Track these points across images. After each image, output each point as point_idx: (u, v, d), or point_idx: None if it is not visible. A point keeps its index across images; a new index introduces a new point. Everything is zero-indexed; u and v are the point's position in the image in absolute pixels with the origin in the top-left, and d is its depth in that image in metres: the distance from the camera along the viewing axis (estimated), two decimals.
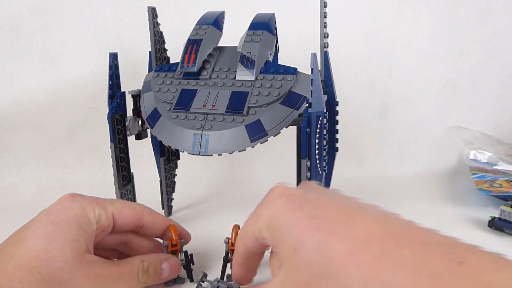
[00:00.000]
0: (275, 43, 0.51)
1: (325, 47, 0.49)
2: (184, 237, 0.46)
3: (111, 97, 0.52)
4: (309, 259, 0.27)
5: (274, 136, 0.45)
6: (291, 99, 0.46)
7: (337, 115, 0.50)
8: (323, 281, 0.27)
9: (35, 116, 0.73)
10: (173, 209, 0.63)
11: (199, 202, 0.67)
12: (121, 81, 0.54)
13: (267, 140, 0.45)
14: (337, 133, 0.51)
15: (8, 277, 0.33)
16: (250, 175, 0.74)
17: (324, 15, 0.48)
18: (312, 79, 0.42)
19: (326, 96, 0.47)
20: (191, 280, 0.45)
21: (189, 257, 0.45)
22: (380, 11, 0.78)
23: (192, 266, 0.46)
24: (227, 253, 0.46)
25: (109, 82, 0.52)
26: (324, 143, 0.46)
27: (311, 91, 0.42)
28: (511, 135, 0.82)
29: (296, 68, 0.48)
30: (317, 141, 0.43)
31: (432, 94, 0.81)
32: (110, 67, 0.52)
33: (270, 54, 0.50)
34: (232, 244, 0.45)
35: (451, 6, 0.78)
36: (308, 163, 0.43)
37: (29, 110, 0.73)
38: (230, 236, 0.45)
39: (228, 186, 0.72)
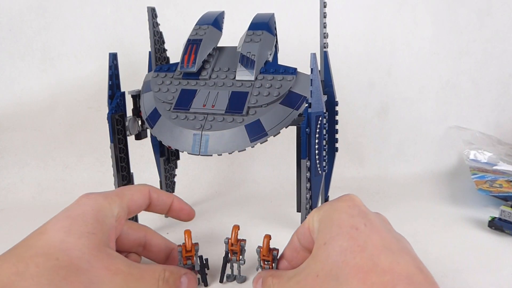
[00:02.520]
0: (274, 43, 0.51)
1: (324, 47, 0.49)
2: (187, 213, 0.47)
3: (111, 97, 0.52)
4: (329, 256, 0.31)
5: (274, 136, 0.45)
6: (291, 99, 0.46)
7: (337, 115, 0.50)
8: (329, 279, 0.31)
9: (35, 116, 0.73)
10: None
11: (199, 202, 0.67)
12: (121, 81, 0.54)
13: (266, 140, 0.45)
14: (337, 133, 0.51)
15: (25, 262, 0.33)
16: (250, 175, 0.74)
17: (323, 15, 0.48)
18: (311, 79, 0.42)
19: (325, 96, 0.47)
20: (206, 285, 0.45)
21: (204, 262, 0.45)
22: (380, 11, 0.78)
23: (206, 271, 0.46)
24: (226, 253, 0.46)
25: (108, 82, 0.52)
26: (324, 143, 0.46)
27: (311, 91, 0.42)
28: (511, 135, 0.82)
29: (296, 68, 0.48)
30: (316, 141, 0.43)
31: (432, 94, 0.81)
32: (110, 67, 0.52)
33: (270, 54, 0.50)
34: (232, 244, 0.45)
35: (451, 6, 0.78)
36: (308, 163, 0.43)
37: (29, 110, 0.73)
38: (230, 236, 0.45)
39: (228, 186, 0.72)
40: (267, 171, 0.76)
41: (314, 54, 0.42)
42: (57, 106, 0.73)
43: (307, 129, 0.42)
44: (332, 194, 0.69)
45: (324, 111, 0.43)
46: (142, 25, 0.69)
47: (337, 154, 0.53)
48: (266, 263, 0.44)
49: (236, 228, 0.45)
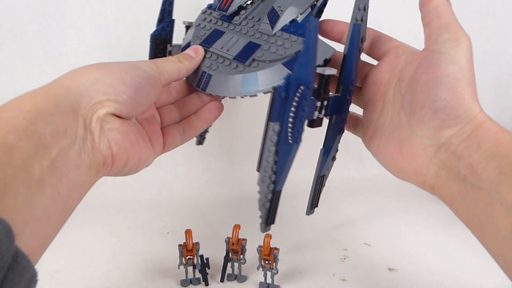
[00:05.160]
0: (312, 4, 0.48)
1: (356, 20, 0.46)
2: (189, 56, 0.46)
3: (160, 20, 0.53)
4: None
5: (264, 93, 0.45)
6: (295, 62, 0.46)
7: (350, 95, 0.46)
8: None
9: None
10: (172, 209, 0.63)
11: (200, 202, 0.67)
12: None
13: (256, 95, 0.45)
14: (346, 113, 0.47)
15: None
16: (250, 175, 0.74)
17: None
18: (304, 41, 0.39)
19: (334, 69, 0.43)
20: (206, 284, 0.46)
21: (205, 261, 0.45)
22: (380, 11, 0.78)
23: (207, 270, 0.46)
24: (227, 253, 0.46)
25: (161, 6, 0.52)
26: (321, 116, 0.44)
27: (299, 54, 0.41)
28: None
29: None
30: (292, 109, 0.40)
31: None
32: None
33: (301, 14, 0.48)
34: (233, 244, 0.45)
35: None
36: (276, 128, 0.41)
37: None
38: (230, 236, 0.46)
39: (229, 186, 0.72)
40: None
41: (314, 18, 0.41)
42: None
43: (281, 93, 0.40)
44: (332, 194, 0.70)
45: (311, 82, 0.40)
46: (142, 25, 0.69)
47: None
48: (267, 262, 0.45)
49: (237, 227, 0.45)
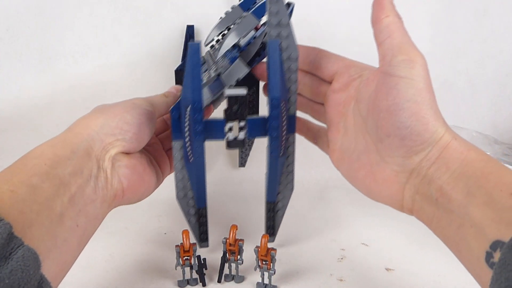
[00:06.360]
0: (254, 27, 0.47)
1: (271, 36, 0.42)
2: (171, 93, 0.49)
3: (183, 57, 0.58)
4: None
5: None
6: (218, 85, 0.47)
7: (278, 115, 0.41)
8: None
9: (32, 117, 0.73)
10: (170, 209, 0.63)
11: None
12: (119, 81, 0.54)
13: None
14: (282, 134, 0.43)
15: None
16: (249, 175, 0.74)
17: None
18: (186, 64, 0.39)
19: (241, 89, 0.41)
20: (204, 285, 0.46)
21: (202, 262, 0.45)
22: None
23: (204, 271, 0.46)
24: (224, 253, 0.46)
25: (183, 46, 0.58)
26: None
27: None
28: (508, 135, 0.82)
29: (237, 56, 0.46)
30: (186, 128, 0.41)
31: None
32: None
33: (242, 38, 0.46)
34: (230, 244, 0.45)
35: (448, 6, 0.78)
36: (178, 146, 0.44)
37: (27, 111, 0.72)
38: (228, 236, 0.46)
39: (227, 186, 0.72)
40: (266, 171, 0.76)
41: (194, 43, 0.39)
42: (55, 106, 0.72)
43: (174, 114, 0.42)
44: (329, 193, 0.70)
45: (197, 102, 0.39)
46: (139, 25, 0.69)
47: None
48: (264, 263, 0.45)
49: (234, 228, 0.45)
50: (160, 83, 0.67)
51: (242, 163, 0.70)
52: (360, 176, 0.40)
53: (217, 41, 0.54)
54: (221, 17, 0.51)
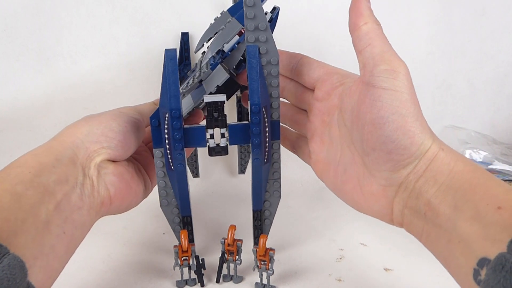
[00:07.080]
0: (237, 32, 0.47)
1: (249, 41, 0.41)
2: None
3: (178, 64, 0.58)
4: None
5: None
6: (200, 91, 0.47)
7: (259, 121, 0.41)
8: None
9: (30, 117, 0.73)
10: None
11: (195, 202, 0.67)
12: (118, 81, 0.54)
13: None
14: (264, 140, 0.42)
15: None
16: (248, 175, 0.74)
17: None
18: (163, 72, 0.39)
19: (220, 96, 0.42)
20: (202, 285, 0.46)
21: (200, 262, 0.45)
22: (375, 11, 0.78)
23: (203, 271, 0.46)
24: (223, 254, 0.46)
25: (179, 52, 0.59)
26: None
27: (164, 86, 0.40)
28: (506, 135, 0.82)
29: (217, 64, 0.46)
30: (165, 135, 0.41)
31: (428, 94, 0.81)
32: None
33: (226, 43, 0.46)
34: (229, 245, 0.45)
35: (446, 6, 0.78)
36: (159, 154, 0.43)
37: (25, 111, 0.72)
38: (226, 237, 0.45)
39: (226, 186, 0.72)
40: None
41: (171, 49, 0.39)
42: (53, 106, 0.72)
43: (153, 122, 0.42)
44: (328, 193, 0.70)
45: (174, 109, 0.39)
46: (137, 25, 0.69)
47: None
48: (262, 263, 0.44)
49: (233, 228, 0.45)
50: (158, 83, 0.66)
51: (242, 170, 0.70)
52: (347, 190, 0.39)
53: (208, 47, 0.54)
54: (211, 23, 0.51)
